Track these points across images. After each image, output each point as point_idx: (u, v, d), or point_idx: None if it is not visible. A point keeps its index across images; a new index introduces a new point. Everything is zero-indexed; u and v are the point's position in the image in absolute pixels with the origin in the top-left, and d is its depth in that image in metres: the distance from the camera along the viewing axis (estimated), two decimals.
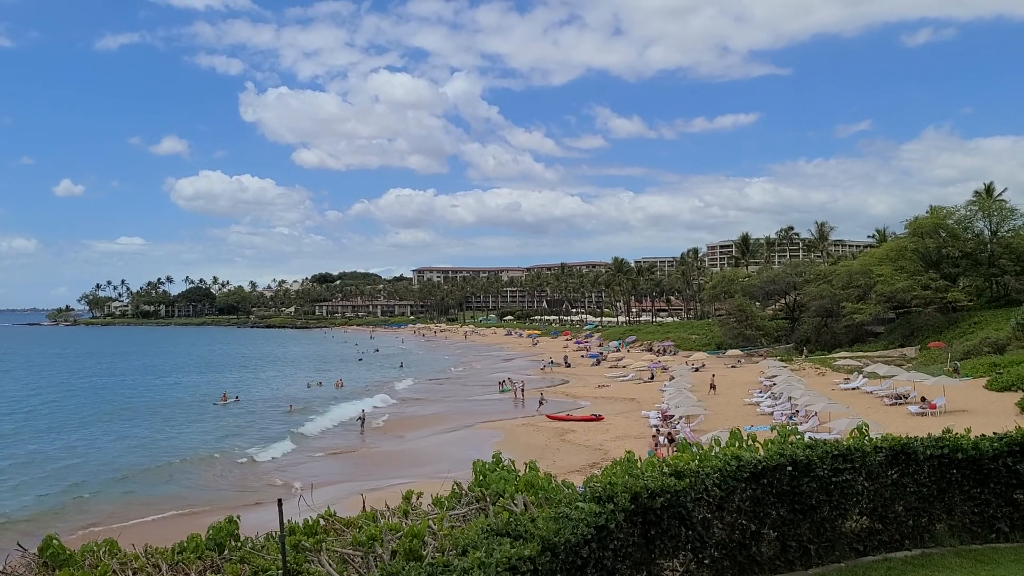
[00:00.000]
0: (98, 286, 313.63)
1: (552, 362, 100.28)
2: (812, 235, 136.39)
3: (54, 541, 6.01)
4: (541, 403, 57.22)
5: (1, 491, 34.78)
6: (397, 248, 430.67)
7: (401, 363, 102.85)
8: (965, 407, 42.19)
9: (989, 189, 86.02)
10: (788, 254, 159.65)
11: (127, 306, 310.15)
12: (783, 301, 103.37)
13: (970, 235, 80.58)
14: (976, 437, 9.99)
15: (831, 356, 76.03)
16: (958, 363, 58.44)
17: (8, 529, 26.86)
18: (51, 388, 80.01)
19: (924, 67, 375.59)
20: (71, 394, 73.96)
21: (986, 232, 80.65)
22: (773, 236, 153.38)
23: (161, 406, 64.34)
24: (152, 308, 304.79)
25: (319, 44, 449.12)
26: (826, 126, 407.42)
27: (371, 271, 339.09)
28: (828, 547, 8.94)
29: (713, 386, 59.61)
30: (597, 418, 49.46)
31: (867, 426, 10.39)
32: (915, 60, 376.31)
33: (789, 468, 8.65)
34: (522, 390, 65.58)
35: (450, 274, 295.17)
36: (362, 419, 52.43)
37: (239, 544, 6.86)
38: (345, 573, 6.06)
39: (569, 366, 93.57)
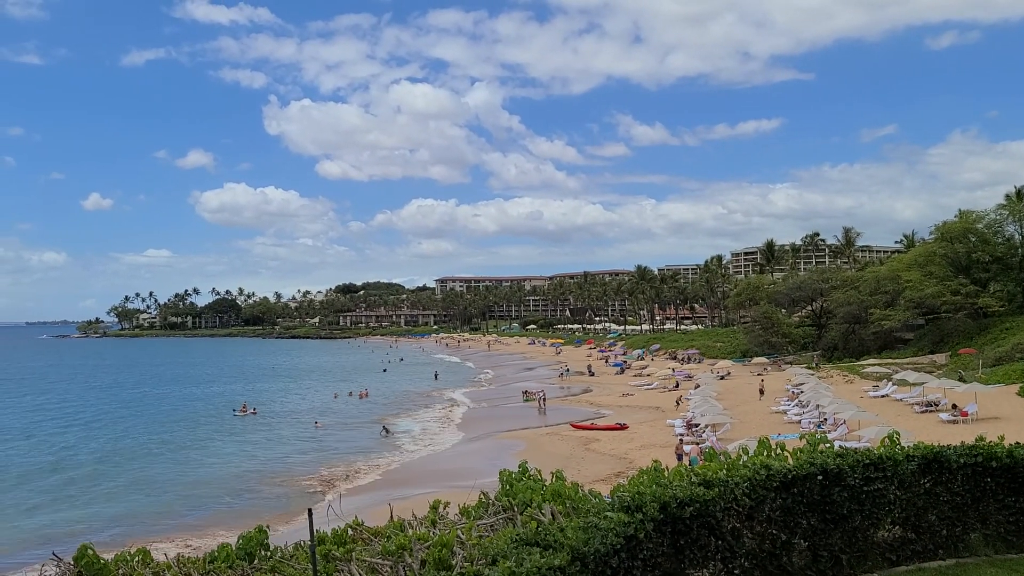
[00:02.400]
0: (126, 298, 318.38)
1: (569, 370, 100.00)
2: (838, 241, 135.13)
3: (89, 551, 6.07)
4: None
5: (76, 502, 35.39)
6: (420, 258, 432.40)
7: (436, 373, 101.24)
8: (997, 414, 41.56)
9: (1020, 193, 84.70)
10: (814, 260, 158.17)
11: (155, 318, 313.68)
12: (809, 308, 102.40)
13: (1000, 239, 79.44)
14: (1011, 445, 9.83)
15: (859, 363, 75.17)
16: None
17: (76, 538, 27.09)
18: (106, 398, 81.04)
19: (949, 70, 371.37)
20: (130, 405, 75.01)
21: (1017, 236, 79.50)
22: (798, 242, 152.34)
23: (205, 415, 65.33)
24: (179, 320, 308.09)
25: (340, 57, 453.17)
26: (850, 131, 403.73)
27: (394, 281, 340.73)
28: (860, 557, 8.83)
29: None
30: (622, 427, 49.24)
31: (898, 434, 10.26)
32: (940, 64, 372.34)
33: (820, 477, 8.56)
34: (544, 399, 65.44)
35: (472, 283, 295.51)
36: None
37: (269, 554, 6.89)
38: None
39: (593, 375, 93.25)
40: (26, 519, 32.47)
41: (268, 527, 7.16)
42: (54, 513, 33.38)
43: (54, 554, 6.30)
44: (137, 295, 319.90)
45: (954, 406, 44.51)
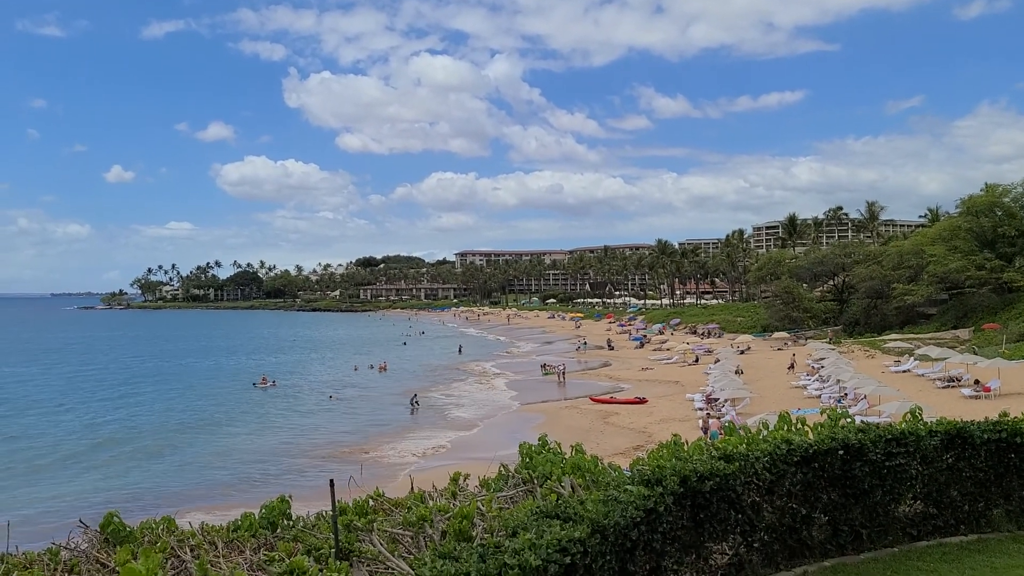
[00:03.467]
0: (149, 270, 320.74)
1: (586, 344, 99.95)
2: (861, 215, 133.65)
3: (115, 518, 6.17)
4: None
5: (103, 473, 36.12)
6: (439, 232, 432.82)
7: (460, 347, 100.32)
8: (1020, 390, 41.17)
9: None
10: (836, 235, 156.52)
11: (177, 290, 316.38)
12: (831, 283, 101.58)
13: None
14: None
15: (881, 338, 74.60)
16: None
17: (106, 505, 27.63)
18: (141, 370, 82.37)
19: (977, 41, 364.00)
20: (160, 376, 76.25)
21: None
22: (821, 216, 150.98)
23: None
24: (202, 292, 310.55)
25: (360, 28, 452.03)
26: (875, 103, 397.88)
27: (414, 255, 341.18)
28: (881, 532, 8.81)
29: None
30: (641, 401, 49.29)
31: (920, 409, 10.19)
32: (968, 33, 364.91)
33: (841, 452, 8.52)
34: (563, 373, 65.58)
35: (492, 257, 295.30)
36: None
37: (291, 523, 6.98)
38: (396, 553, 6.13)
39: (612, 349, 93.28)
40: (56, 487, 33.12)
41: (290, 497, 7.24)
42: (81, 483, 34.01)
43: (81, 521, 6.41)
44: (160, 267, 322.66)
45: (976, 381, 44.15)
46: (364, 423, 47.76)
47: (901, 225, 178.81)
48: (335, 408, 54.59)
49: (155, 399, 59.27)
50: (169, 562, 5.57)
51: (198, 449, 40.91)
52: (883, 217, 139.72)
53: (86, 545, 6.10)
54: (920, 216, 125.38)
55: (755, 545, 7.88)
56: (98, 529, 6.21)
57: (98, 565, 5.69)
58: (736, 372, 55.96)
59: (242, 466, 36.70)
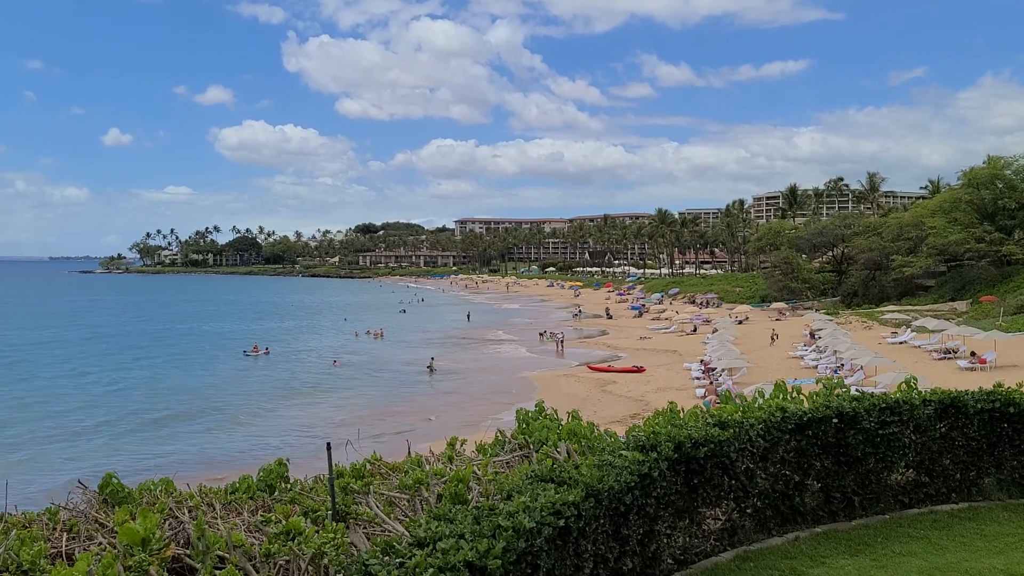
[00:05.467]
0: (148, 235, 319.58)
1: (582, 312, 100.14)
2: (862, 186, 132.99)
3: (113, 479, 6.22)
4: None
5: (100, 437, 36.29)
6: (439, 199, 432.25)
7: (468, 314, 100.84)
8: (1017, 362, 41.38)
9: None
10: (837, 206, 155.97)
11: (176, 255, 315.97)
12: (830, 254, 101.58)
13: None
14: None
15: (878, 309, 74.76)
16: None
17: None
18: (148, 334, 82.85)
19: (982, 11, 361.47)
20: (162, 341, 76.52)
21: None
22: (821, 187, 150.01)
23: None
24: (201, 257, 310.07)
25: None
26: (878, 73, 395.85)
27: (413, 222, 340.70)
28: (873, 499, 8.89)
29: (774, 337, 60.05)
30: (639, 369, 49.51)
31: (915, 380, 10.23)
32: (973, 4, 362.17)
33: (835, 420, 8.57)
34: (562, 342, 65.78)
35: (492, 225, 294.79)
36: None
37: (289, 486, 7.04)
38: (392, 515, 6.19)
39: (611, 318, 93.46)
40: (54, 449, 33.37)
41: (288, 461, 7.30)
42: (77, 445, 34.26)
43: (79, 481, 6.46)
44: (158, 232, 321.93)
45: (972, 353, 44.32)
46: (383, 393, 47.86)
47: (902, 197, 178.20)
48: (338, 373, 54.92)
49: (157, 366, 59.22)
50: (167, 523, 5.61)
51: (200, 419, 40.68)
52: (884, 188, 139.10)
53: (84, 505, 6.15)
54: (921, 188, 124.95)
55: (748, 511, 7.96)
56: (96, 490, 6.26)
57: (96, 525, 5.75)
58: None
59: (245, 436, 36.80)
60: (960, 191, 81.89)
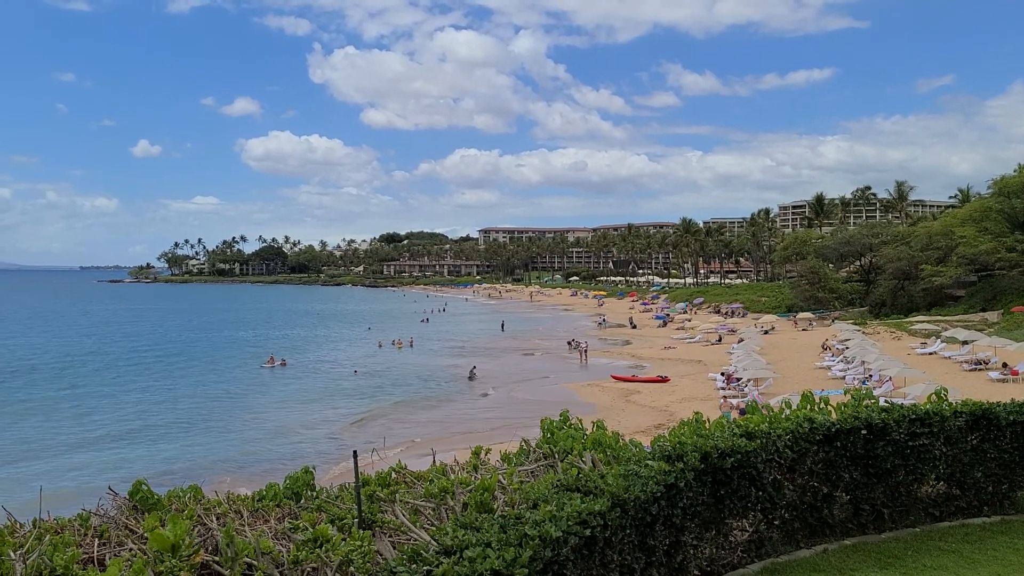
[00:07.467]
0: (176, 244, 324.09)
1: (606, 321, 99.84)
2: (890, 195, 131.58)
3: (143, 486, 6.29)
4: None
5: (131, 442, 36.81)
6: (463, 208, 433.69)
7: (502, 323, 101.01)
8: None
9: None
10: (864, 215, 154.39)
11: (204, 264, 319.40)
12: (858, 263, 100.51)
13: None
14: None
15: (907, 320, 73.81)
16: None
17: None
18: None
19: (1012, 18, 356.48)
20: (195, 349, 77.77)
21: None
22: (848, 196, 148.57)
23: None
24: (227, 266, 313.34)
25: (383, 4, 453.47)
26: (905, 81, 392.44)
27: (437, 231, 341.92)
28: (903, 512, 8.77)
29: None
30: (663, 379, 49.23)
31: (946, 391, 10.09)
32: (1002, 10, 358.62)
33: (864, 431, 8.47)
34: (586, 351, 65.61)
35: (516, 234, 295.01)
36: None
37: (315, 494, 7.08)
38: (418, 523, 6.20)
39: (635, 327, 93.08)
40: (81, 457, 33.80)
41: (314, 468, 7.34)
42: (107, 452, 34.66)
43: (110, 488, 6.53)
44: (186, 241, 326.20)
45: (1004, 364, 43.62)
46: (423, 392, 48.97)
47: (930, 206, 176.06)
48: (360, 381, 55.38)
49: (187, 376, 59.75)
50: (196, 529, 5.67)
51: (229, 427, 41.06)
52: (912, 197, 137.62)
53: (115, 512, 6.22)
54: (950, 197, 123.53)
55: (775, 522, 7.88)
56: (127, 496, 6.34)
57: (127, 531, 5.82)
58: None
59: (270, 442, 37.08)
60: (990, 200, 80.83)
